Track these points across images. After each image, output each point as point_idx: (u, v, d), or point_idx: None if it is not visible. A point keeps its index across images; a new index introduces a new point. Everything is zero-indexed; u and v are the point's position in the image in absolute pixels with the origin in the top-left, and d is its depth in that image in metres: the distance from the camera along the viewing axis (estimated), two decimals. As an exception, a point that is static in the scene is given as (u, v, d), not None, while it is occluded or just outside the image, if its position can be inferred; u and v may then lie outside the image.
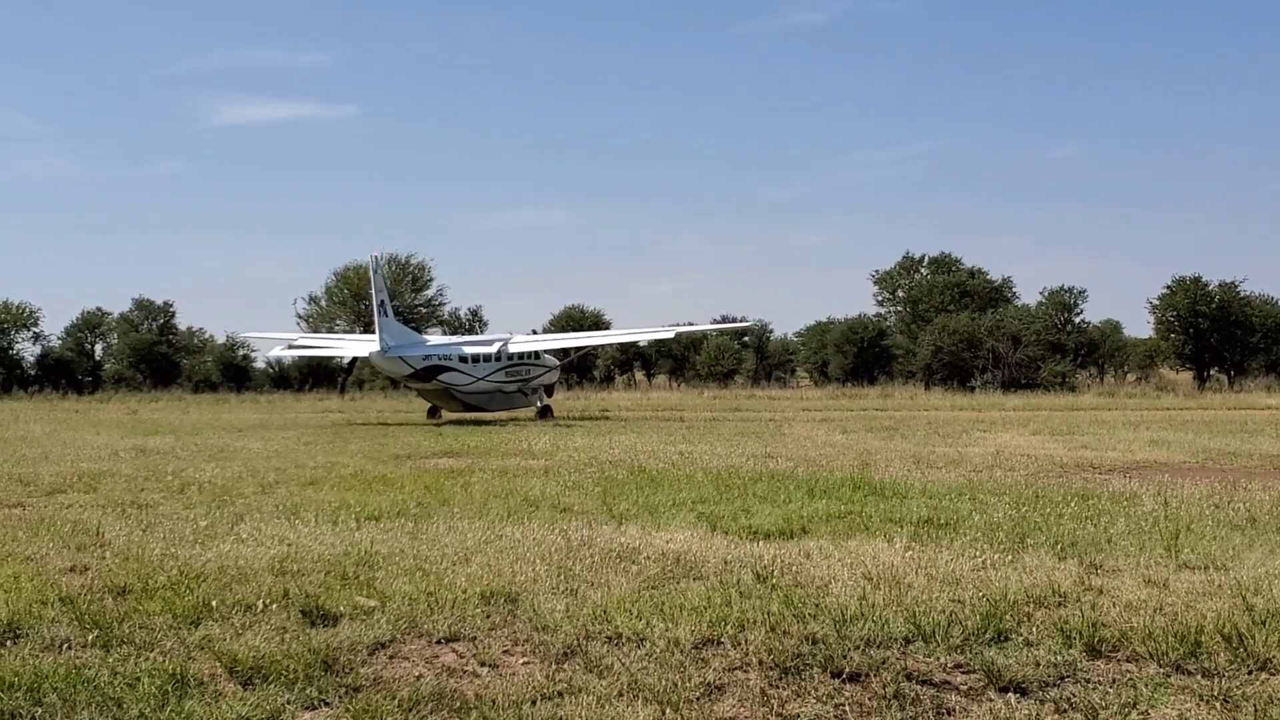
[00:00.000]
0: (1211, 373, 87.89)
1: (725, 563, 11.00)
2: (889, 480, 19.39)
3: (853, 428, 37.88)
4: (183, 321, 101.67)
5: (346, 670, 7.98)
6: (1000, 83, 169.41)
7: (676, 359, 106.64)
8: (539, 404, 47.39)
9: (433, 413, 47.39)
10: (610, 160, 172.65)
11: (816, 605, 9.00)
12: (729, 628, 8.44)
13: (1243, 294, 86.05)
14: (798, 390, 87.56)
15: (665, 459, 24.73)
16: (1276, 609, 8.54)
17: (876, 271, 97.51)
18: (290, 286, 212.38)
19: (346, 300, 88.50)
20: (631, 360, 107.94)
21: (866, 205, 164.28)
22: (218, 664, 8.01)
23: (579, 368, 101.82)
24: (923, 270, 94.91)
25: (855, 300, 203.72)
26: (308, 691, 7.58)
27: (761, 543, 12.76)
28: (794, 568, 10.67)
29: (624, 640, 8.35)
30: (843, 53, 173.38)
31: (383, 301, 44.41)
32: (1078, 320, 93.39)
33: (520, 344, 47.88)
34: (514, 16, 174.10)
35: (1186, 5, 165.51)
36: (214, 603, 9.55)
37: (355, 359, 65.24)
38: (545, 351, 49.25)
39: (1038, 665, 7.60)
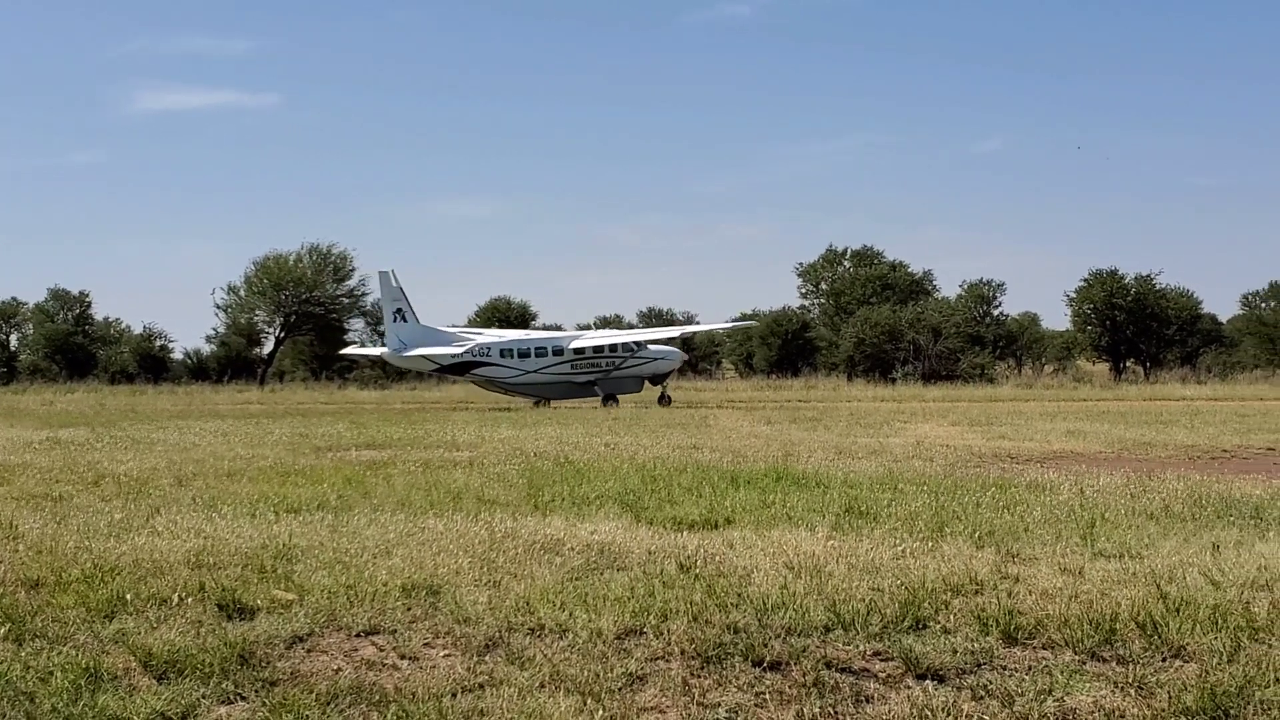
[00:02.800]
0: (1127, 364, 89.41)
1: (649, 553, 11.00)
2: (811, 470, 19.50)
3: (777, 419, 38.09)
4: (99, 312, 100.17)
5: (264, 664, 7.88)
6: (926, 77, 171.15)
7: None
8: (662, 392, 52.68)
9: (538, 401, 52.06)
10: (539, 152, 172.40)
11: (739, 595, 9.03)
12: (652, 618, 8.44)
13: (1158, 287, 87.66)
14: (724, 382, 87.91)
15: (591, 450, 24.70)
16: (1190, 597, 8.67)
17: (801, 264, 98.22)
18: (210, 276, 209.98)
19: (266, 290, 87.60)
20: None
21: (793, 198, 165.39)
22: (132, 658, 7.88)
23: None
24: (845, 263, 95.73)
25: (780, 293, 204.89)
26: (224, 686, 7.48)
27: (686, 533, 12.77)
28: (717, 558, 10.69)
29: (547, 632, 8.32)
30: (769, 46, 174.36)
31: (399, 309, 50.50)
32: (996, 313, 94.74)
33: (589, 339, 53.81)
34: (443, 5, 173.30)
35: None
36: (129, 596, 9.39)
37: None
38: (651, 342, 54.21)
39: (955, 653, 7.68)
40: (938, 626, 8.21)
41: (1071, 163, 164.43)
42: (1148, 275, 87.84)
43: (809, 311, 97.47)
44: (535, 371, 51.79)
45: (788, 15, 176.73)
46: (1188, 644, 7.65)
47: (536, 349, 52.53)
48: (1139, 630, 7.86)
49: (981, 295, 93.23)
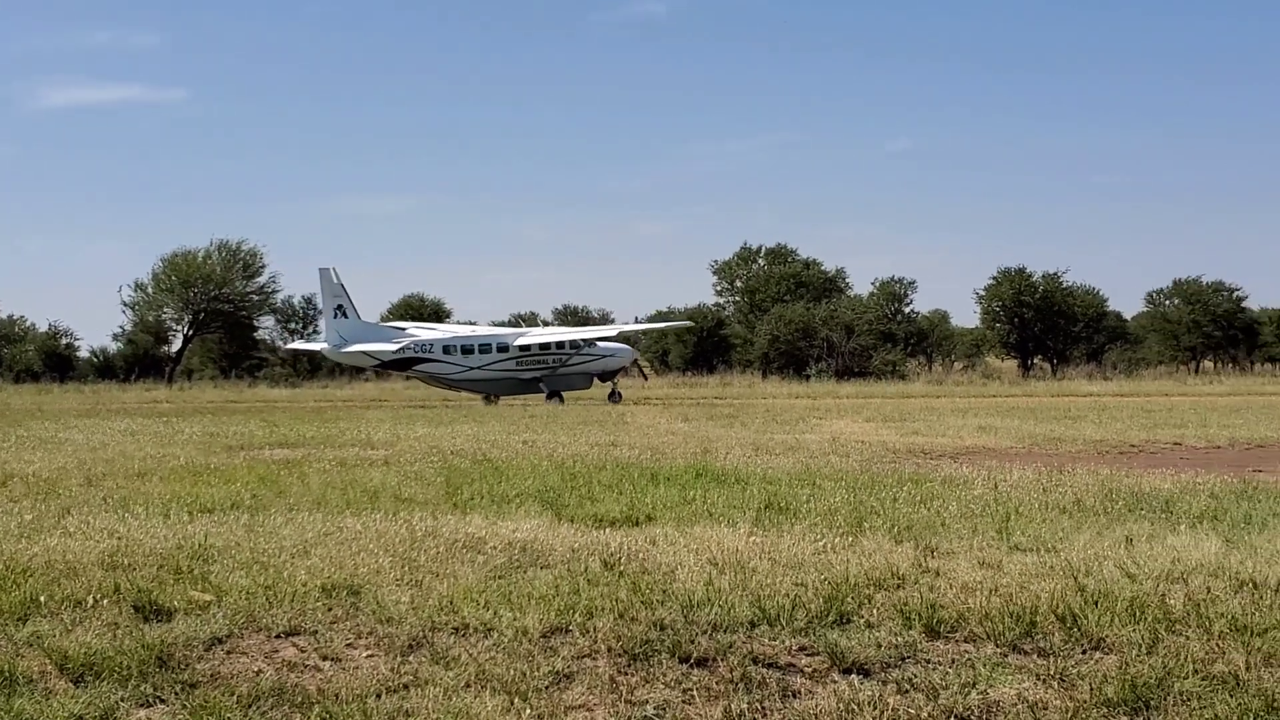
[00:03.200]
0: (1035, 361, 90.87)
1: (572, 551, 10.96)
2: (730, 467, 19.57)
3: (694, 416, 38.20)
4: (3, 310, 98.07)
5: (182, 666, 7.74)
6: (837, 76, 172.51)
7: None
8: (612, 389, 52.74)
9: (487, 398, 52.07)
10: (453, 148, 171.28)
11: (664, 591, 9.02)
12: (577, 615, 8.40)
13: (1065, 285, 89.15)
14: (635, 379, 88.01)
15: (509, 449, 24.60)
16: (1107, 589, 8.80)
17: (715, 262, 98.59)
18: (117, 274, 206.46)
19: (174, 287, 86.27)
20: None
21: (707, 196, 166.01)
22: (47, 661, 7.70)
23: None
24: (760, 261, 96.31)
25: (695, 290, 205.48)
26: (142, 688, 7.34)
27: (608, 530, 12.76)
28: (641, 555, 10.67)
29: (471, 631, 8.25)
30: (683, 44, 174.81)
31: (340, 305, 50.85)
32: (907, 310, 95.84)
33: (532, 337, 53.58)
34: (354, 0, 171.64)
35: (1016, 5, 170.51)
36: (42, 598, 9.18)
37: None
38: (600, 339, 54.09)
39: (879, 646, 7.73)
40: (861, 621, 8.26)
41: (978, 163, 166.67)
42: (1055, 273, 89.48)
43: (724, 309, 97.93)
44: (480, 368, 52.00)
45: (701, 14, 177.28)
46: (1107, 636, 7.76)
47: (481, 345, 52.54)
48: (1059, 623, 7.97)
49: (893, 293, 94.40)
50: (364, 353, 52.62)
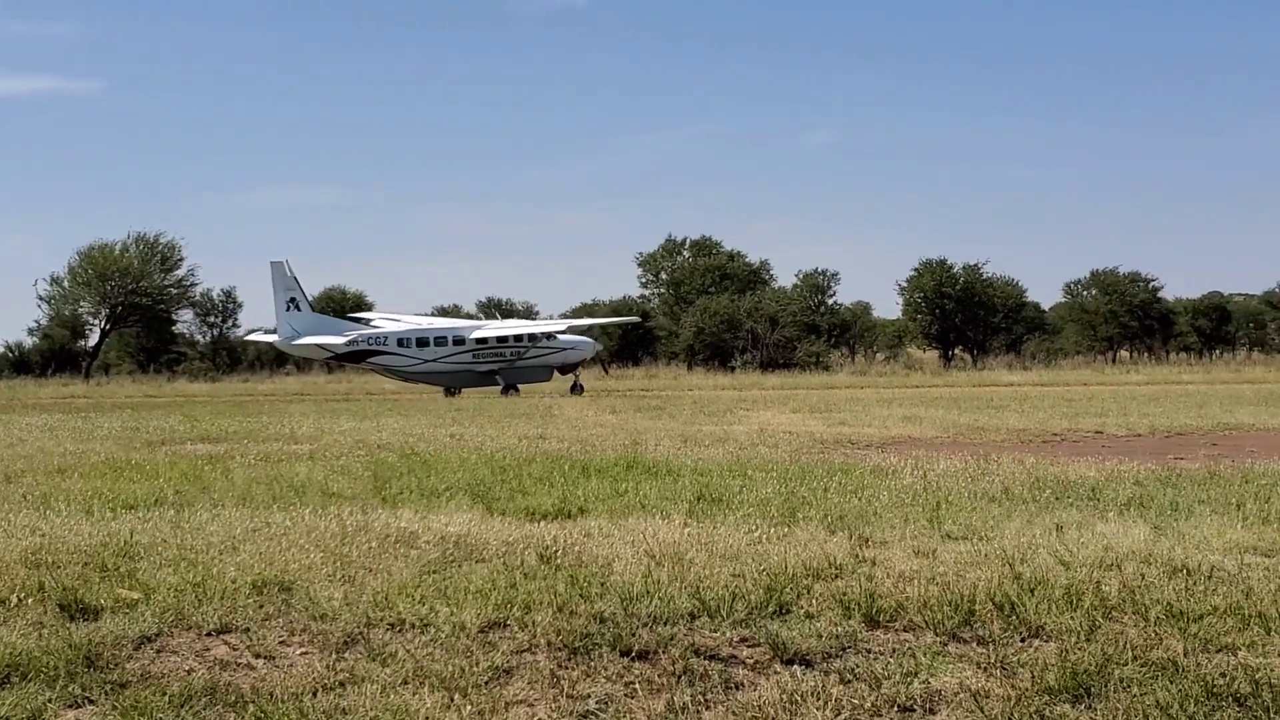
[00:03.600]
0: (956, 351, 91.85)
1: (507, 544, 10.83)
2: (661, 459, 19.54)
3: (621, 408, 38.18)
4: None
5: (111, 666, 7.54)
6: (759, 68, 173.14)
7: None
8: (574, 381, 53.47)
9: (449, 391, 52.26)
10: (374, 140, 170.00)
11: (602, 584, 8.92)
12: (515, 610, 8.28)
13: (985, 276, 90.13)
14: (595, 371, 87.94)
15: (436, 442, 24.42)
16: (1042, 576, 8.83)
17: (640, 254, 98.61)
18: (32, 268, 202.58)
19: (91, 281, 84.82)
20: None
21: (630, 188, 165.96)
22: (-30, 663, 7.48)
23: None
24: (685, 253, 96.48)
25: (620, 283, 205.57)
26: (70, 689, 7.14)
27: (541, 523, 12.67)
28: (576, 547, 10.55)
29: (407, 627, 8.11)
30: (605, 36, 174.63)
31: (293, 298, 51.05)
32: (830, 302, 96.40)
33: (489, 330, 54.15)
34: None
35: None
36: (-39, 599, 8.93)
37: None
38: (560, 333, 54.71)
39: (820, 637, 7.68)
40: (801, 611, 8.22)
41: (897, 155, 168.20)
42: (975, 264, 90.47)
43: (649, 301, 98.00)
44: (435, 360, 52.24)
45: (622, 6, 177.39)
46: (1045, 624, 7.77)
47: (436, 338, 53.02)
48: (997, 611, 7.97)
49: (816, 285, 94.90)
50: (317, 345, 52.91)
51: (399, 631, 8.03)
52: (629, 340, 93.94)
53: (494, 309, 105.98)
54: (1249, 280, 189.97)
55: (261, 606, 8.71)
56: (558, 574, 9.34)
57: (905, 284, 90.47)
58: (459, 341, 52.79)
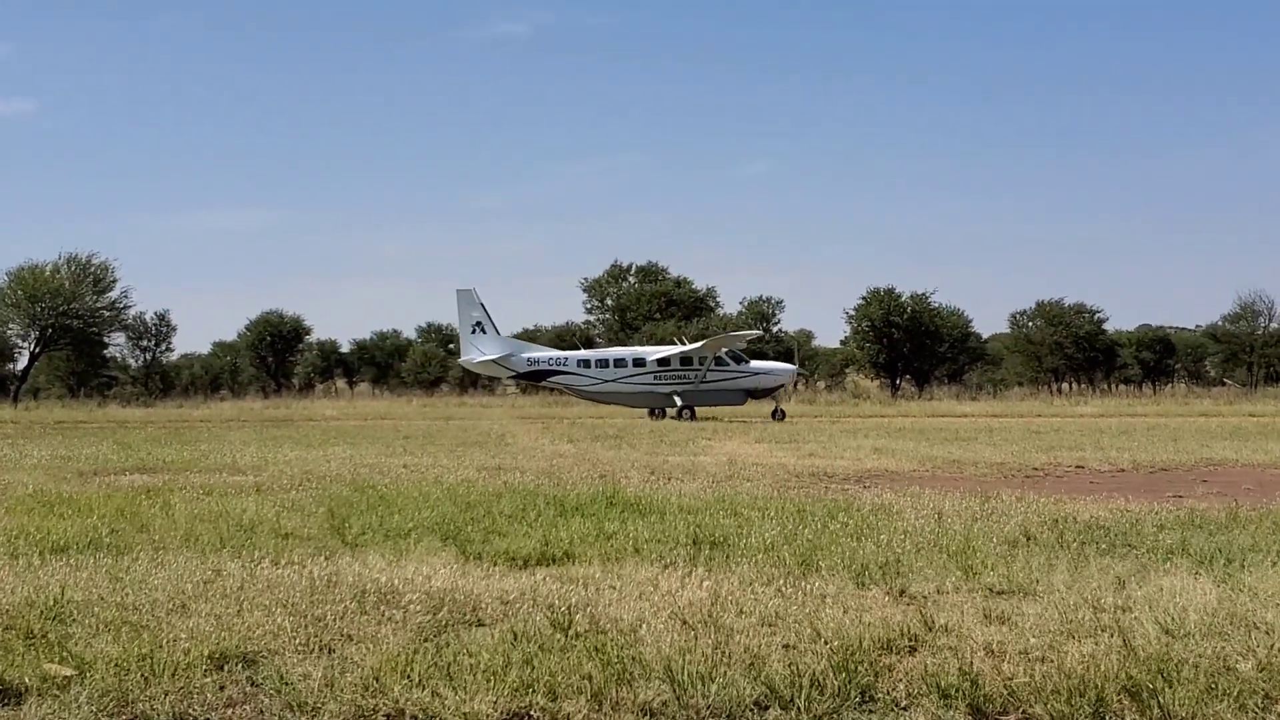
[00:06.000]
0: (901, 381, 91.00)
1: (505, 603, 9.32)
2: (642, 495, 18.07)
3: (578, 436, 36.71)
4: None
5: (37, 774, 5.99)
6: (698, 97, 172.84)
7: (380, 366, 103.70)
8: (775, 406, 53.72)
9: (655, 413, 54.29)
10: (312, 163, 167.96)
11: (635, 660, 7.44)
12: (539, 697, 6.78)
13: (933, 305, 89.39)
14: (508, 398, 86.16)
15: (390, 473, 22.87)
16: (1161, 652, 7.46)
17: (585, 279, 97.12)
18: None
19: (20, 302, 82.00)
20: (333, 366, 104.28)
21: (573, 213, 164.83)
22: None
23: (278, 373, 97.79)
24: (630, 278, 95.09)
25: (564, 308, 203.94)
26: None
27: (527, 571, 11.23)
28: (589, 607, 9.07)
29: (409, 719, 6.60)
30: (545, 64, 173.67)
31: (478, 322, 55.85)
32: (775, 330, 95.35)
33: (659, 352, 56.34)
34: (207, 11, 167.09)
35: (863, 19, 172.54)
36: None
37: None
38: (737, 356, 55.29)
39: (924, 735, 6.29)
40: (888, 698, 6.79)
41: (834, 184, 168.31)
42: (923, 294, 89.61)
43: (594, 327, 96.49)
44: (614, 380, 54.87)
45: (564, 34, 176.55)
46: (1194, 715, 6.41)
47: (616, 360, 55.83)
48: (1131, 700, 6.59)
49: (761, 312, 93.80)
50: (495, 363, 56.28)
51: (399, 726, 6.52)
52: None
53: (431, 334, 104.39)
54: (1186, 314, 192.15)
55: (223, 688, 7.15)
56: (578, 644, 7.83)
57: (853, 312, 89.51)
58: (639, 363, 54.81)
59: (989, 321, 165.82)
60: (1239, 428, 41.64)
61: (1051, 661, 7.21)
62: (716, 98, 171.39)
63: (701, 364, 53.70)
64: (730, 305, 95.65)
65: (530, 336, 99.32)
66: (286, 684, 7.17)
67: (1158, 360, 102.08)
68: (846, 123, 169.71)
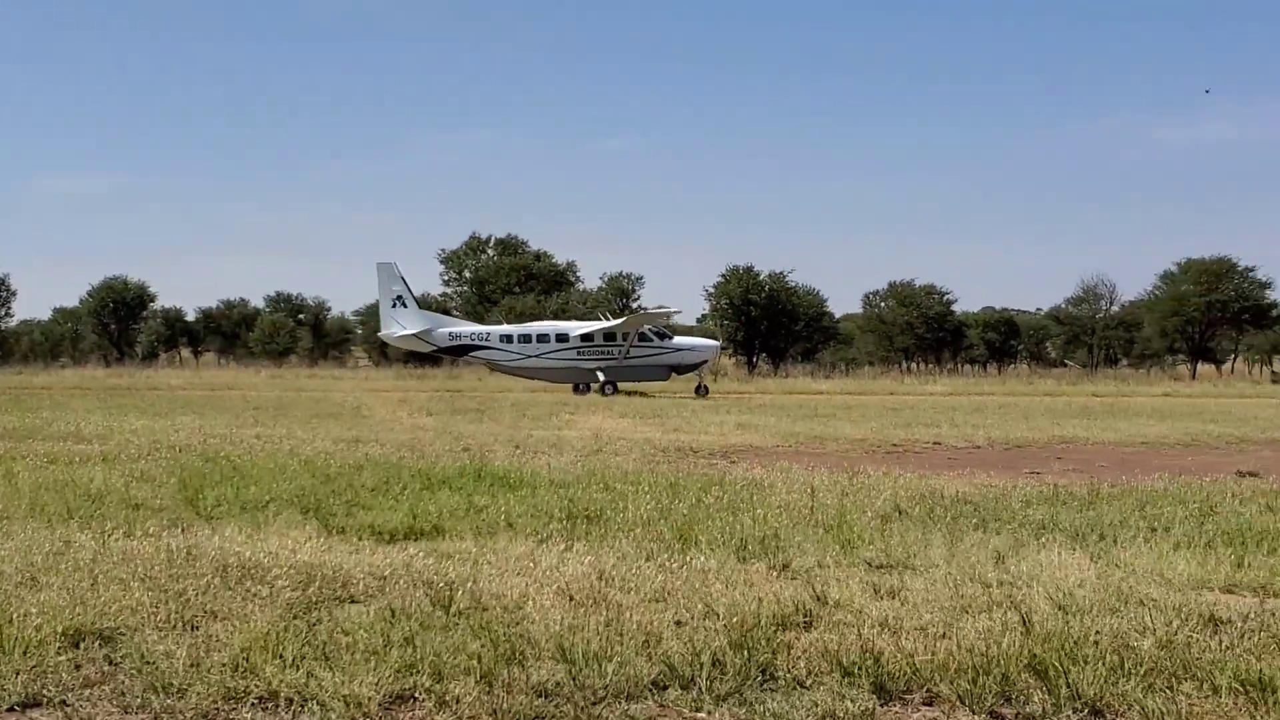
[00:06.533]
0: (756, 359, 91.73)
1: (379, 578, 8.86)
2: (511, 468, 17.68)
3: (437, 409, 36.10)
4: None
5: None
6: (560, 73, 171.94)
7: (227, 335, 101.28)
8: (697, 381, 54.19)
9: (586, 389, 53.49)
10: (160, 129, 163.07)
11: (523, 638, 7.08)
12: (423, 677, 6.37)
13: (790, 284, 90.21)
14: (359, 370, 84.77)
15: (242, 444, 22.09)
16: (1058, 629, 7.33)
17: (443, 251, 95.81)
18: None
19: None
20: (178, 335, 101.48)
21: (429, 187, 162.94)
22: None
23: (121, 340, 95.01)
24: (490, 252, 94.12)
25: (420, 281, 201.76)
26: None
27: (399, 546, 10.80)
28: (470, 583, 8.65)
29: (283, 702, 6.13)
30: (405, 35, 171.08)
31: (399, 295, 54.47)
32: (635, 306, 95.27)
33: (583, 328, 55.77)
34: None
35: (732, 10, 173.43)
36: None
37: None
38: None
39: (832, 717, 6.03)
40: (789, 676, 6.53)
41: (698, 163, 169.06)
42: (781, 273, 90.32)
43: (451, 300, 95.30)
44: (538, 356, 54.20)
45: (423, 7, 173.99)
46: (1105, 697, 6.20)
47: (539, 335, 55.28)
48: (1038, 679, 6.42)
49: (621, 288, 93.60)
50: (418, 337, 55.12)
51: (272, 710, 6.05)
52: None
53: (281, 304, 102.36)
54: (1029, 297, 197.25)
55: (79, 667, 6.62)
56: (461, 622, 7.43)
57: (712, 289, 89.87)
58: (563, 339, 54.32)
59: (843, 301, 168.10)
60: (1086, 407, 42.69)
61: (951, 638, 7.04)
62: (578, 73, 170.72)
63: (625, 340, 53.73)
64: (591, 280, 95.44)
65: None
66: (148, 663, 6.67)
67: (1003, 341, 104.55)
68: (705, 103, 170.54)
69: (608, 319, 58.81)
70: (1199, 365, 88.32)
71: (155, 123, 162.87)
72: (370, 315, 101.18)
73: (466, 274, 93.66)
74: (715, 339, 60.18)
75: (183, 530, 11.29)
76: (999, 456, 23.91)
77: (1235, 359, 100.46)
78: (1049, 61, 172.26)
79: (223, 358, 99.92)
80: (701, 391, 52.35)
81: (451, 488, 15.41)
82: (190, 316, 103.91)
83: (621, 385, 53.60)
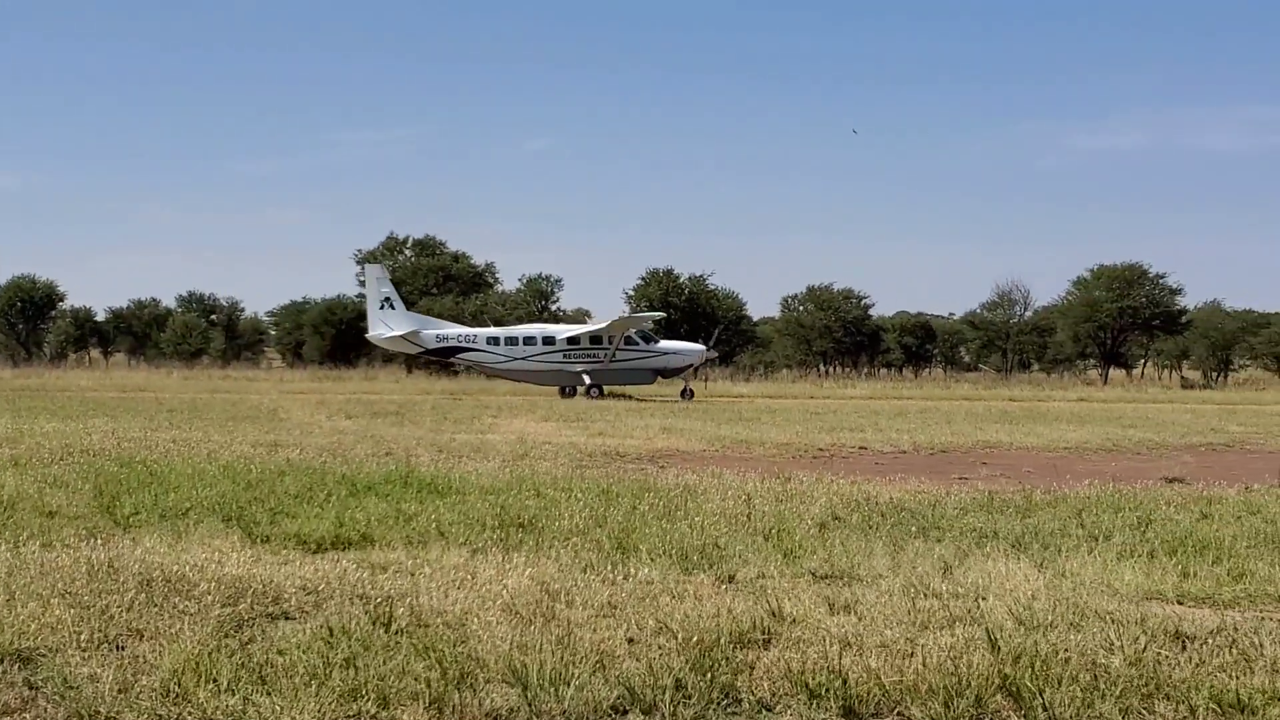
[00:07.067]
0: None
1: (313, 593, 8.46)
2: (439, 474, 17.27)
3: (355, 412, 35.48)
4: None
5: None
6: (476, 72, 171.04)
7: (137, 336, 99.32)
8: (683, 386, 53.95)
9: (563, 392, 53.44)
10: (69, 125, 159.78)
11: (472, 658, 6.73)
12: (368, 704, 6.01)
13: (710, 287, 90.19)
14: (273, 371, 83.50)
15: (158, 448, 21.46)
16: (1023, 647, 7.09)
17: (360, 251, 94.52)
18: None
19: None
20: (88, 335, 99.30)
21: (348, 184, 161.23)
22: None
23: (28, 341, 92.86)
24: (407, 251, 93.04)
25: (336, 281, 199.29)
26: None
27: (328, 557, 10.41)
28: (406, 598, 8.28)
29: (221, 730, 5.76)
30: (324, 32, 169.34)
31: (387, 297, 54.69)
32: (554, 308, 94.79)
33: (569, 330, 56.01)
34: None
35: (652, 13, 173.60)
36: None
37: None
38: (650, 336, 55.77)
39: (802, 741, 5.78)
40: (753, 699, 6.26)
41: (617, 165, 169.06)
42: (701, 275, 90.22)
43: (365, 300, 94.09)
44: (524, 359, 54.22)
45: (338, 4, 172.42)
46: (1079, 717, 6.04)
47: (525, 337, 55.12)
48: (1011, 701, 6.20)
49: (540, 290, 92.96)
50: (404, 338, 55.12)
51: (210, 739, 5.68)
52: (343, 341, 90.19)
53: (193, 303, 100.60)
54: (945, 302, 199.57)
55: (-5, 694, 6.19)
56: (403, 642, 7.07)
57: (632, 292, 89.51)
58: (549, 341, 54.23)
59: (761, 305, 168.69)
60: (1005, 411, 42.95)
61: (916, 656, 6.80)
62: (496, 73, 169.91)
63: (611, 343, 53.61)
64: (509, 282, 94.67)
65: (299, 309, 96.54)
66: (72, 688, 6.25)
67: (919, 345, 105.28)
68: (624, 105, 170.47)
69: (593, 321, 59.33)
70: (1110, 370, 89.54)
71: (63, 121, 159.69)
72: (283, 315, 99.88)
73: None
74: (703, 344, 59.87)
75: (102, 541, 10.78)
76: (926, 462, 23.90)
77: (1145, 364, 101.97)
78: (964, 68, 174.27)
79: (133, 358, 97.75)
80: (687, 395, 52.09)
81: (378, 494, 15.02)
82: (100, 316, 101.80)
83: (607, 388, 53.49)
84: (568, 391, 53.40)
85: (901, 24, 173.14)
